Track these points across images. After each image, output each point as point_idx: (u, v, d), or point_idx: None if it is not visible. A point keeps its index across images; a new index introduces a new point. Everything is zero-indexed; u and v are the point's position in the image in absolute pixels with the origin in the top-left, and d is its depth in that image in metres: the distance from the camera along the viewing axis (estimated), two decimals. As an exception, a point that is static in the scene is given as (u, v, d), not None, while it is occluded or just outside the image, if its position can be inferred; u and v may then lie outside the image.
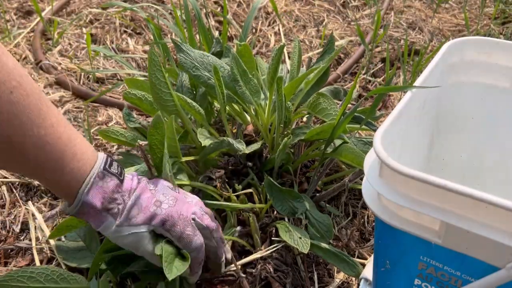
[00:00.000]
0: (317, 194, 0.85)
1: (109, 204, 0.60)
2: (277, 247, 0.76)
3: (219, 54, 0.90)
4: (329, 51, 0.91)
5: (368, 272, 0.68)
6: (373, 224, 0.86)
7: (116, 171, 0.61)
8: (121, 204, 0.61)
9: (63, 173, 0.57)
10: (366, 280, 0.67)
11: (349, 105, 1.06)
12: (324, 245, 0.74)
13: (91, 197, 0.59)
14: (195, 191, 0.79)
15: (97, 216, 0.60)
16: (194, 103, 0.81)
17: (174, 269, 0.60)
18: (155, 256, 0.62)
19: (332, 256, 0.74)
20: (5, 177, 0.94)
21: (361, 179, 0.84)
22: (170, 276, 0.59)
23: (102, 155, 0.61)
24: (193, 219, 0.65)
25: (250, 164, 0.84)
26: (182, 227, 0.63)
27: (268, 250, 0.76)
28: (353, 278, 0.77)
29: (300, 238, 0.72)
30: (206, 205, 0.71)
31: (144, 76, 1.17)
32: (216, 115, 0.90)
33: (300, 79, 0.85)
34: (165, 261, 0.60)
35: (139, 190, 0.63)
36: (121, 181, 0.61)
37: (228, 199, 0.78)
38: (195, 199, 0.69)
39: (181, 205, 0.65)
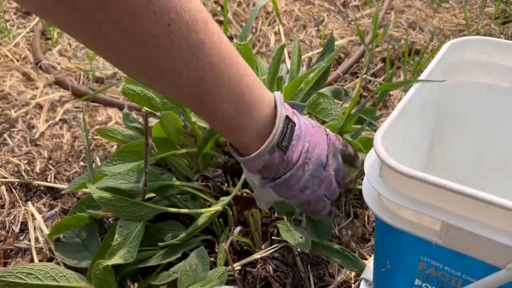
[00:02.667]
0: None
1: (264, 170, 0.62)
2: (277, 248, 0.76)
3: None
4: (329, 51, 0.91)
5: (368, 272, 0.68)
6: (373, 224, 0.86)
7: (285, 144, 0.61)
8: (273, 174, 0.63)
9: (246, 129, 0.59)
10: (366, 280, 0.67)
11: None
12: (326, 242, 0.74)
13: (256, 164, 0.61)
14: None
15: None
16: None
17: None
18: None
19: (335, 253, 0.74)
20: (5, 177, 0.93)
21: (362, 179, 0.84)
22: None
23: (280, 123, 0.60)
24: (325, 195, 0.69)
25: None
26: (313, 206, 0.68)
27: (268, 250, 0.76)
28: (353, 278, 0.77)
29: (301, 237, 0.71)
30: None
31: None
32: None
33: (300, 79, 0.84)
34: None
35: (296, 169, 0.63)
36: (285, 152, 0.61)
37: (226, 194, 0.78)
38: (333, 169, 0.69)
39: (323, 187, 0.67)
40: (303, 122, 0.64)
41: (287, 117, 0.60)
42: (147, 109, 0.84)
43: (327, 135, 0.68)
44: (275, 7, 1.36)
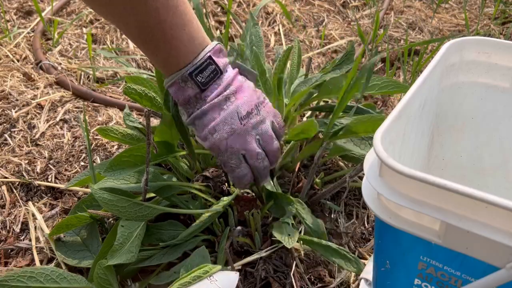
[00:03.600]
0: (318, 192, 0.85)
1: (184, 104, 0.67)
2: (277, 248, 0.76)
3: None
4: (347, 62, 0.91)
5: (368, 272, 0.68)
6: (373, 224, 0.87)
7: (202, 80, 0.65)
8: (191, 110, 0.67)
9: (168, 50, 0.64)
10: (366, 280, 0.67)
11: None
12: (325, 242, 0.74)
13: (173, 91, 0.66)
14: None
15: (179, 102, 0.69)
16: None
17: None
18: None
19: (333, 253, 0.73)
20: (5, 177, 0.94)
21: (361, 178, 0.84)
22: None
23: (200, 58, 0.64)
24: (243, 155, 0.68)
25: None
26: (226, 158, 0.68)
27: (268, 250, 0.76)
28: (352, 278, 0.77)
29: (289, 235, 0.72)
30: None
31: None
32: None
33: (306, 91, 0.86)
34: None
35: (209, 106, 0.66)
36: (202, 90, 0.66)
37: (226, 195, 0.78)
38: (263, 129, 0.69)
39: (235, 139, 0.67)
40: (238, 79, 0.68)
41: (210, 58, 0.65)
42: (149, 108, 0.84)
43: (262, 101, 0.70)
44: (283, 9, 1.36)
